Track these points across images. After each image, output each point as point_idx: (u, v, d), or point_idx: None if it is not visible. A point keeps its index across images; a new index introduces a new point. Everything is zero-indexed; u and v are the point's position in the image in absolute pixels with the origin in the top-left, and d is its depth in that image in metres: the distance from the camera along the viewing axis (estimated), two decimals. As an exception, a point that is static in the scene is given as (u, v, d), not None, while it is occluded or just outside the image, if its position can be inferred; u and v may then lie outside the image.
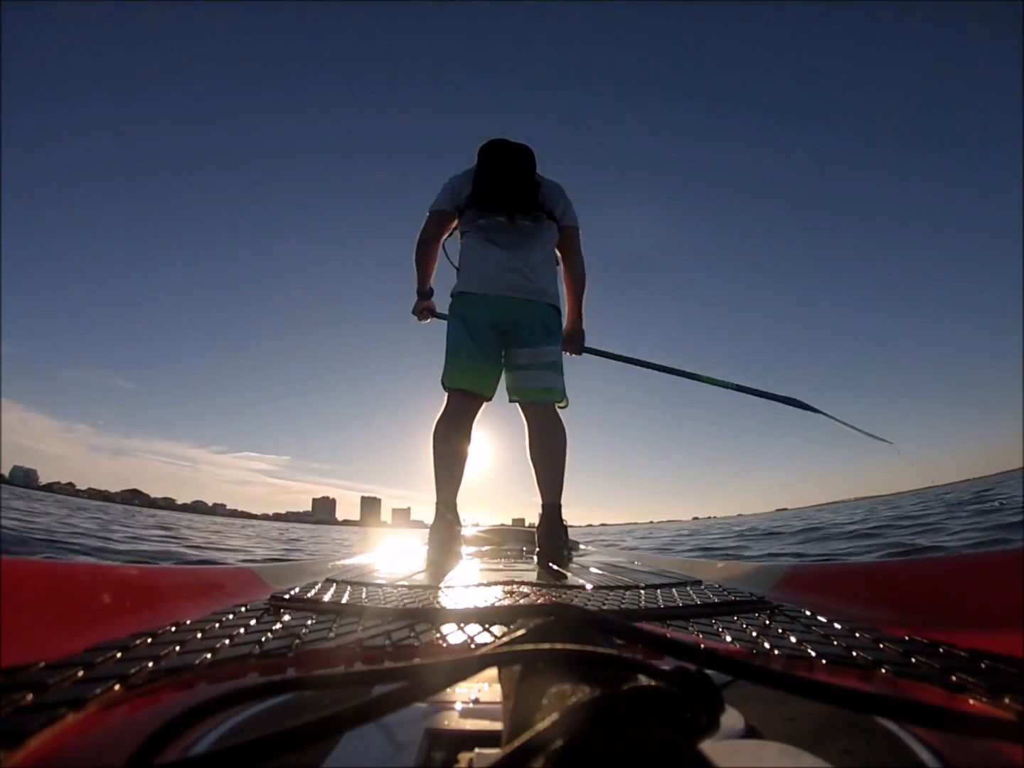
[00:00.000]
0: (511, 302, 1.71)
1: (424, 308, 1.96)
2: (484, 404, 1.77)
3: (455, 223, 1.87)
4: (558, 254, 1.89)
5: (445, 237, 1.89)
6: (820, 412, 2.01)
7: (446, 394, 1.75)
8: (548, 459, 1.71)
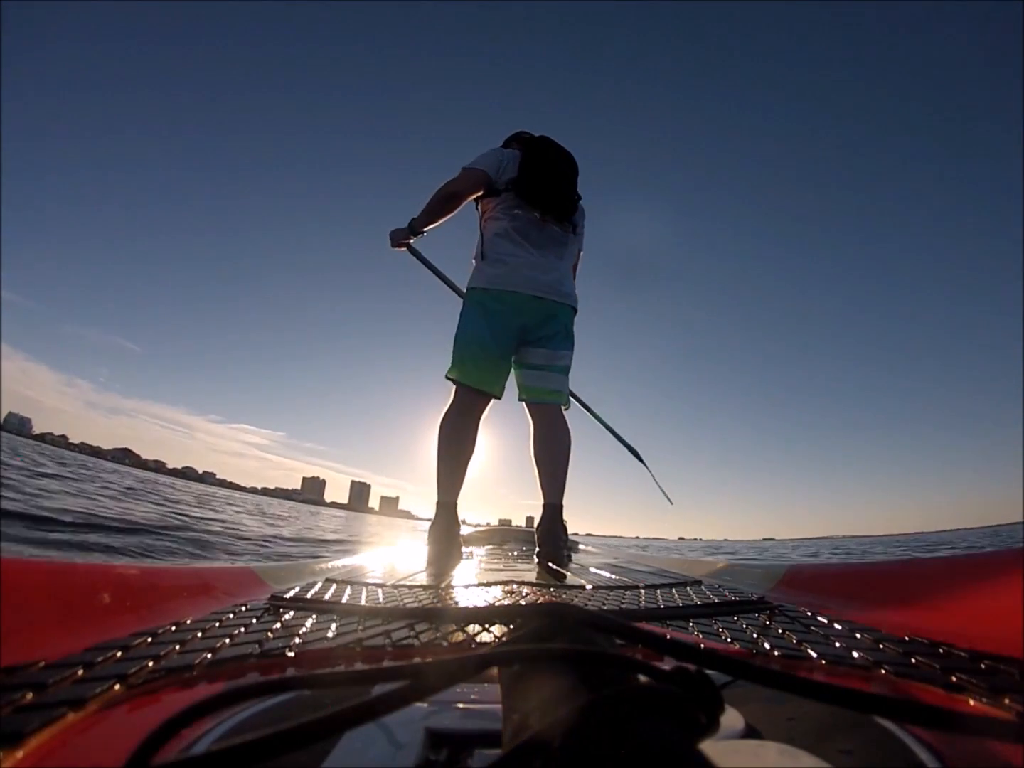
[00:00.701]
0: (543, 303, 1.68)
1: (406, 241, 1.94)
2: (492, 402, 1.71)
3: (482, 192, 1.80)
4: None
5: (471, 198, 1.83)
6: (644, 464, 2.35)
7: (453, 388, 1.67)
8: (553, 459, 1.70)
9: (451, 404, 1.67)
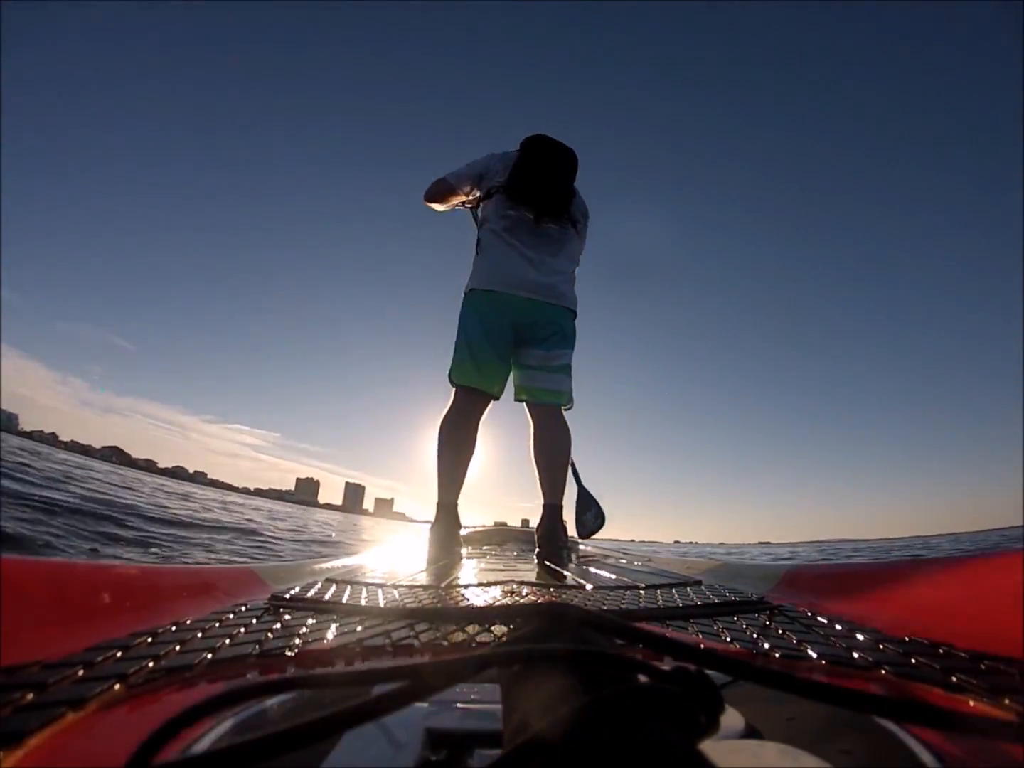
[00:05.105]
0: (534, 304, 1.69)
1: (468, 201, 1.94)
2: (491, 403, 1.75)
3: (458, 200, 1.89)
4: None
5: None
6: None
7: (453, 390, 1.71)
8: (552, 460, 1.71)
9: (451, 405, 1.70)
